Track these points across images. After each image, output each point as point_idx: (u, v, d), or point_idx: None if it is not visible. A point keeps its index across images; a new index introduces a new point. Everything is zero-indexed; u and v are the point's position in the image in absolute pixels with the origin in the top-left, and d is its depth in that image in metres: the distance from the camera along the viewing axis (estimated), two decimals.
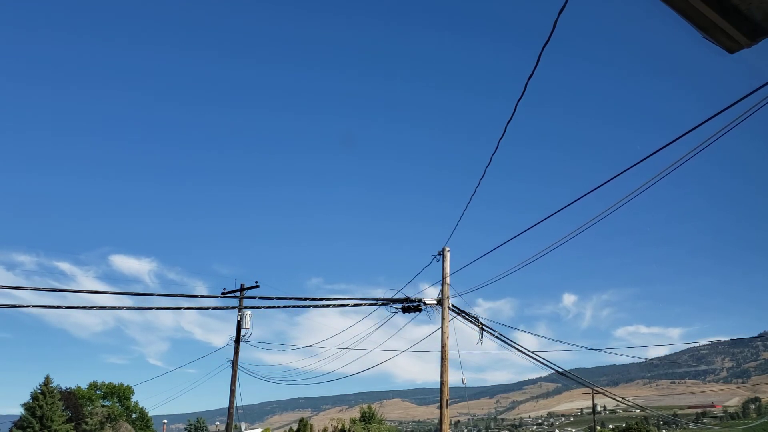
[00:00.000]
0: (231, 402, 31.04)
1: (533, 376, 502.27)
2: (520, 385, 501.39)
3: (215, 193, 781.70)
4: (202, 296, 17.00)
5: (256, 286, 31.11)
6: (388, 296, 18.98)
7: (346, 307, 18.60)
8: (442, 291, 19.47)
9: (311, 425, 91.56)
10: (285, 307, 17.00)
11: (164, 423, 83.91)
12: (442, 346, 19.11)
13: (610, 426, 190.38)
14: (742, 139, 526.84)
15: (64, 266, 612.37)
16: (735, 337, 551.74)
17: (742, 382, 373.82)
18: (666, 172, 10.54)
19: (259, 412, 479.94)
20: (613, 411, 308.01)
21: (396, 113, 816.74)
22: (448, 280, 19.47)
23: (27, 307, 13.89)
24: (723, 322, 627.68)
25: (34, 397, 61.38)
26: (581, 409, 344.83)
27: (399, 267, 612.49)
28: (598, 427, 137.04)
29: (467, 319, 19.76)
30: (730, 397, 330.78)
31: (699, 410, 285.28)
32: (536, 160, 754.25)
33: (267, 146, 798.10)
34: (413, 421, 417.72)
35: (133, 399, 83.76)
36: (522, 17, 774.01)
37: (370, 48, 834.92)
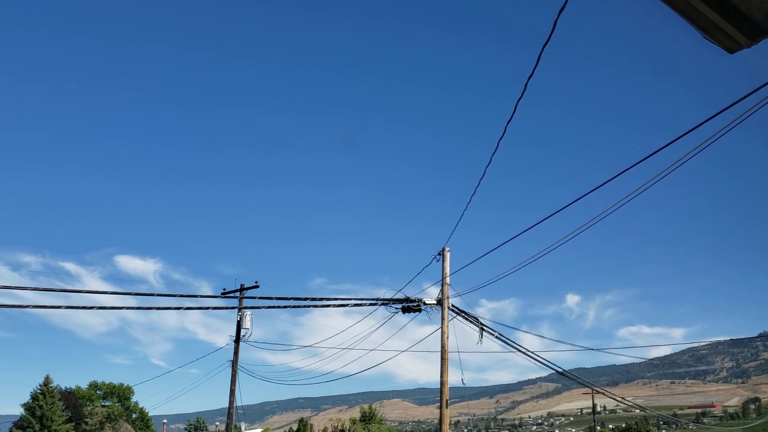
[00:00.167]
0: (231, 402, 31.04)
1: (533, 376, 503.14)
2: (520, 385, 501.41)
3: (217, 193, 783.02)
4: (201, 296, 17.02)
5: (256, 286, 31.12)
6: (389, 296, 18.99)
7: (349, 308, 18.61)
8: (442, 291, 19.47)
9: (311, 425, 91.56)
10: (285, 307, 17.01)
11: (164, 423, 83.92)
12: (442, 346, 19.11)
13: (610, 426, 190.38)
14: (742, 139, 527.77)
15: (70, 266, 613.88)
16: (735, 337, 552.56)
17: (742, 382, 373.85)
18: (666, 172, 10.54)
19: (259, 412, 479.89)
20: (613, 411, 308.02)
21: (396, 113, 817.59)
22: (448, 280, 19.47)
23: (27, 306, 13.90)
24: (723, 322, 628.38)
25: (34, 397, 61.38)
26: (581, 409, 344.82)
27: (399, 267, 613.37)
28: (598, 427, 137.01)
29: (467, 319, 19.77)
30: (730, 397, 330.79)
31: (699, 410, 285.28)
32: (536, 160, 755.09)
33: (267, 146, 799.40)
34: (413, 421, 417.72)
35: (133, 399, 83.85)
36: (522, 17, 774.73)
37: (370, 48, 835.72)
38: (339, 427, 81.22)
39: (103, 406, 77.31)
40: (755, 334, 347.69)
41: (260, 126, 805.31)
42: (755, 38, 3.45)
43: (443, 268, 19.62)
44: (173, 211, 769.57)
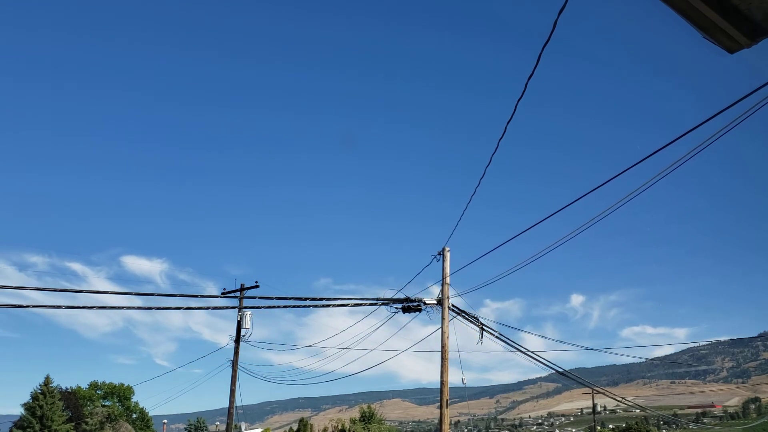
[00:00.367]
0: (231, 402, 31.05)
1: (533, 376, 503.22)
2: (520, 385, 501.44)
3: (219, 193, 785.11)
4: (201, 296, 17.03)
5: (256, 286, 31.13)
6: (389, 296, 18.99)
7: (350, 307, 18.62)
8: (442, 291, 19.47)
9: (311, 425, 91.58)
10: (285, 306, 17.01)
11: (164, 423, 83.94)
12: (442, 346, 19.12)
13: (610, 426, 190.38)
14: (742, 139, 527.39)
15: (76, 267, 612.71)
16: (735, 337, 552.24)
17: (742, 382, 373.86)
18: (666, 172, 10.54)
19: (259, 412, 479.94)
20: (613, 411, 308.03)
21: (396, 113, 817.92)
22: (448, 280, 19.47)
23: (28, 306, 13.90)
24: (723, 322, 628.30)
25: (34, 397, 61.37)
26: (581, 409, 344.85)
27: (400, 267, 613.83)
28: (598, 427, 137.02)
29: (467, 318, 19.77)
30: (730, 397, 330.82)
31: (699, 410, 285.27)
32: (536, 160, 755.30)
33: (268, 146, 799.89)
34: (413, 421, 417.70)
35: (134, 399, 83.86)
36: (522, 17, 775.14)
37: (370, 48, 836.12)
38: (339, 427, 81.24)
39: (103, 406, 77.30)
40: (755, 334, 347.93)
41: (260, 126, 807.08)
42: (755, 38, 3.45)
43: (443, 268, 19.62)
44: (179, 211, 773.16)
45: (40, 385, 62.37)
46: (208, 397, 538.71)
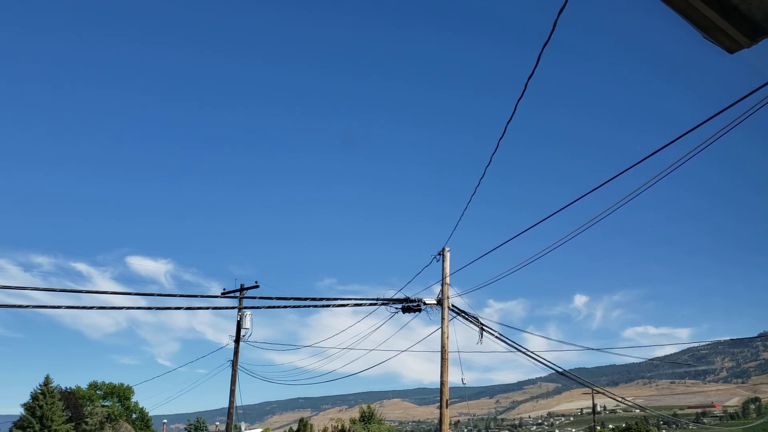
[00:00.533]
0: (231, 402, 31.04)
1: (534, 376, 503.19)
2: (520, 385, 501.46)
3: (222, 193, 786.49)
4: (201, 296, 17.01)
5: (256, 286, 31.15)
6: (390, 296, 18.99)
7: (350, 307, 18.61)
8: (441, 291, 19.47)
9: (311, 425, 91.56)
10: (285, 307, 17.01)
11: (164, 423, 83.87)
12: (442, 346, 19.12)
13: (610, 426, 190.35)
14: (742, 139, 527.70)
15: (81, 267, 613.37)
16: (735, 337, 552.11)
17: (742, 382, 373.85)
18: (666, 172, 10.54)
19: (259, 412, 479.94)
20: (613, 411, 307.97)
21: (396, 113, 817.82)
22: (447, 280, 19.47)
23: (27, 306, 13.90)
24: (723, 322, 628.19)
25: (34, 397, 61.36)
26: (581, 409, 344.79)
27: (401, 267, 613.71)
28: (598, 427, 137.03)
29: (467, 318, 19.76)
30: (730, 397, 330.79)
31: (699, 410, 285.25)
32: (536, 160, 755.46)
33: (268, 146, 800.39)
34: (413, 421, 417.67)
35: (134, 399, 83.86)
36: (522, 17, 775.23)
37: (370, 48, 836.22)
38: (339, 427, 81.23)
39: (103, 406, 77.31)
40: (755, 334, 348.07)
41: (260, 126, 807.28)
42: (755, 38, 3.45)
43: (443, 268, 19.62)
44: (184, 212, 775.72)
45: (40, 385, 62.37)
46: (208, 397, 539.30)
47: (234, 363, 31.35)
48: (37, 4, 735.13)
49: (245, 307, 29.46)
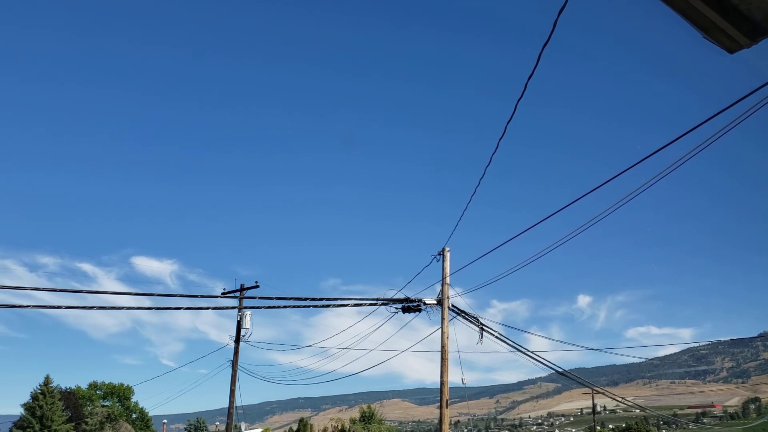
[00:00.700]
0: (231, 402, 31.04)
1: (533, 376, 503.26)
2: (520, 385, 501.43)
3: (226, 194, 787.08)
4: (201, 296, 17.01)
5: (256, 286, 31.15)
6: (390, 296, 18.98)
7: (350, 307, 18.61)
8: (441, 291, 19.46)
9: (311, 425, 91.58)
10: (285, 307, 17.01)
11: (164, 423, 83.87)
12: (442, 346, 19.11)
13: (610, 426, 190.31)
14: (742, 139, 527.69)
15: (87, 268, 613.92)
16: (735, 337, 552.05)
17: (742, 382, 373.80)
18: (666, 172, 10.54)
19: (259, 412, 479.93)
20: (613, 411, 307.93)
21: (396, 113, 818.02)
22: (447, 280, 19.47)
23: (27, 306, 13.90)
24: (723, 322, 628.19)
25: (34, 397, 61.35)
26: (581, 409, 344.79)
27: (402, 267, 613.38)
28: (598, 427, 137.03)
29: (467, 319, 19.77)
30: (730, 397, 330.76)
31: (699, 410, 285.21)
32: (536, 160, 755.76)
33: (267, 146, 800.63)
34: (413, 421, 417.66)
35: (134, 399, 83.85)
36: (522, 17, 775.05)
37: (370, 48, 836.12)
38: (339, 427, 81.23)
39: (103, 406, 77.30)
40: (755, 334, 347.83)
41: (260, 126, 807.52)
42: (755, 38, 3.45)
43: (443, 268, 19.62)
44: (190, 212, 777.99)
45: (40, 385, 62.36)
46: (208, 397, 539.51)
47: (234, 363, 31.35)
48: (37, 4, 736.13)
49: (245, 307, 29.47)
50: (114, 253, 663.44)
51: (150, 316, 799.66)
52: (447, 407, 19.09)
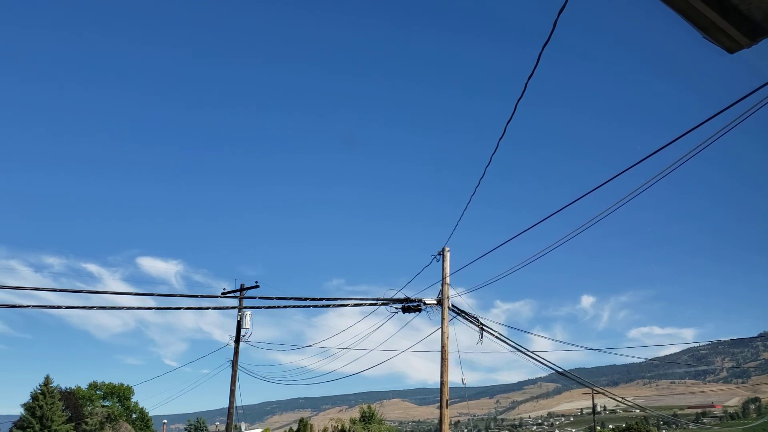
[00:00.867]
0: (231, 402, 31.04)
1: (533, 376, 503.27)
2: (520, 385, 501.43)
3: (230, 194, 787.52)
4: (201, 296, 17.01)
5: (256, 286, 31.16)
6: (389, 296, 18.98)
7: (350, 307, 18.61)
8: (441, 291, 19.46)
9: (311, 425, 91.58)
10: (285, 307, 17.01)
11: (164, 423, 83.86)
12: (442, 346, 19.11)
13: (610, 426, 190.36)
14: (742, 139, 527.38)
15: (92, 268, 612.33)
16: (735, 337, 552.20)
17: (742, 382, 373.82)
18: (666, 172, 10.53)
19: (259, 412, 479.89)
20: (613, 411, 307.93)
21: (396, 113, 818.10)
22: (447, 280, 19.46)
23: (27, 306, 13.90)
24: (723, 322, 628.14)
25: (34, 397, 61.36)
26: (581, 409, 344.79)
27: (404, 267, 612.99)
28: (598, 427, 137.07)
29: (467, 319, 19.76)
30: (730, 397, 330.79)
31: (699, 410, 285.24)
32: (536, 160, 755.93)
33: (267, 146, 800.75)
34: (413, 421, 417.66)
35: (134, 399, 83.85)
36: (522, 17, 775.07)
37: (370, 48, 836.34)
38: (339, 427, 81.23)
39: (103, 406, 77.31)
40: (755, 334, 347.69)
41: (260, 126, 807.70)
42: (755, 38, 3.45)
43: (443, 268, 19.62)
44: (195, 212, 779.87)
45: (40, 386, 62.37)
46: (208, 397, 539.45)
47: (234, 363, 31.35)
48: (37, 4, 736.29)
49: (245, 307, 29.48)
50: (119, 253, 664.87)
51: (154, 316, 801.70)
52: (447, 407, 19.09)
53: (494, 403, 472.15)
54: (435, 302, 19.33)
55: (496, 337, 19.87)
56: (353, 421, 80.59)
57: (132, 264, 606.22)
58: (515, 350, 20.27)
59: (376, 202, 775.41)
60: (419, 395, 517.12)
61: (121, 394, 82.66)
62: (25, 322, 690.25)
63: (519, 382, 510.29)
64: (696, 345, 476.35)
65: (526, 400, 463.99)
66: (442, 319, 19.29)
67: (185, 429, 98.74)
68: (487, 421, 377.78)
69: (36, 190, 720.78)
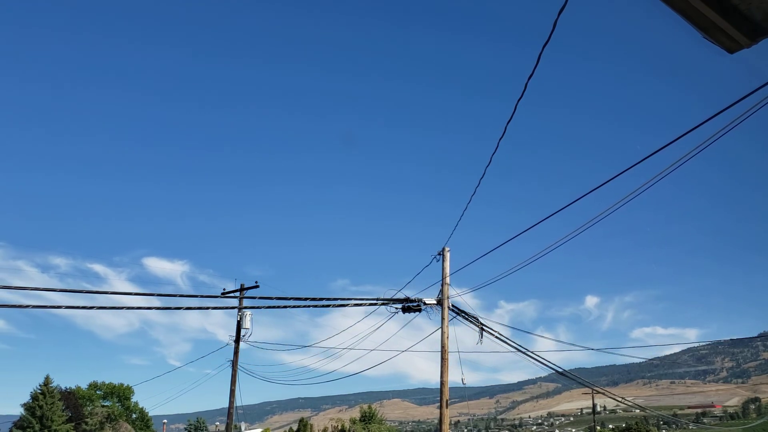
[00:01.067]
0: (231, 402, 31.04)
1: (534, 376, 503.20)
2: (520, 385, 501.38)
3: (232, 194, 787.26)
4: (201, 296, 17.00)
5: (256, 286, 31.16)
6: (389, 296, 18.99)
7: (350, 307, 18.62)
8: (441, 291, 19.47)
9: (311, 425, 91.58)
10: (285, 307, 17.01)
11: (164, 423, 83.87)
12: (442, 346, 19.11)
13: (610, 426, 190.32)
14: (742, 139, 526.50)
15: (98, 268, 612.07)
16: (735, 337, 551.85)
17: (742, 382, 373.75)
18: (666, 172, 10.54)
19: (259, 412, 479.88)
20: (613, 411, 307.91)
21: (396, 113, 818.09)
22: (447, 280, 19.47)
23: (27, 306, 13.90)
24: (723, 322, 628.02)
25: (34, 397, 61.36)
26: (581, 409, 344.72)
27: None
28: (598, 427, 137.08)
29: (467, 318, 19.77)
30: (730, 397, 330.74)
31: (699, 410, 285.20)
32: (536, 160, 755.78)
33: (267, 146, 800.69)
34: (413, 421, 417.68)
35: (134, 399, 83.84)
36: (522, 17, 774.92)
37: (370, 48, 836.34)
38: (339, 427, 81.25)
39: (103, 406, 77.29)
40: (755, 334, 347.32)
41: (260, 126, 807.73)
42: (755, 38, 3.45)
43: (443, 268, 19.62)
44: (201, 213, 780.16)
45: (39, 385, 62.37)
46: (208, 397, 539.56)
47: (234, 363, 31.35)
48: (37, 4, 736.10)
49: (245, 307, 29.49)
50: (125, 254, 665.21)
51: (159, 316, 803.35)
52: (447, 407, 19.09)
53: (494, 403, 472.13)
54: (435, 302, 19.34)
55: (496, 337, 19.88)
56: (353, 421, 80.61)
57: (138, 264, 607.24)
58: (516, 350, 20.29)
59: (376, 202, 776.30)
60: (419, 395, 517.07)
61: (121, 394, 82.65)
62: (31, 322, 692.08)
63: (519, 382, 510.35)
64: (696, 345, 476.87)
65: (526, 400, 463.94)
66: (442, 319, 19.29)
67: (185, 429, 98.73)
68: (487, 421, 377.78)
69: (36, 191, 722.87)
